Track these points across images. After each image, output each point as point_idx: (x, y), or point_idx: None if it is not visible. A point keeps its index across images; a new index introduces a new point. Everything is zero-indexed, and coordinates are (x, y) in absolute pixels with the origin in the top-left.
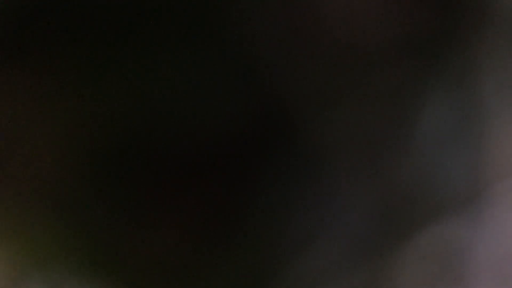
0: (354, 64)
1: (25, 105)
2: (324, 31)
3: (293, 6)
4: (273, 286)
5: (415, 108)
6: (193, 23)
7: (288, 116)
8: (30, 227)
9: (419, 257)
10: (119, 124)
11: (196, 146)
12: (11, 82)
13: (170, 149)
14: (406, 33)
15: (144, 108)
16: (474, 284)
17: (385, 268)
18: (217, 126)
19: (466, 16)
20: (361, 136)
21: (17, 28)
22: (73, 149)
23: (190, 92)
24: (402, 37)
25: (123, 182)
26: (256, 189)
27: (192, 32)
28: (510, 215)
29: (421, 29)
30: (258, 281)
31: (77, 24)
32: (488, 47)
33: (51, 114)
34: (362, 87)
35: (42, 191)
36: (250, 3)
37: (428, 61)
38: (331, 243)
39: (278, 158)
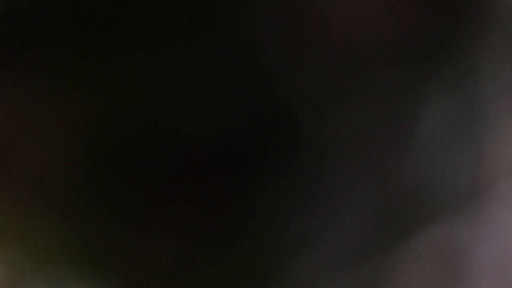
0: (354, 64)
1: (25, 105)
2: (324, 31)
3: (293, 6)
4: (273, 286)
5: (415, 108)
6: (193, 23)
7: (288, 116)
8: (30, 227)
9: (419, 257)
10: (119, 124)
11: (196, 146)
12: (11, 82)
13: (171, 149)
14: (406, 33)
15: (144, 108)
16: (474, 284)
17: (385, 268)
18: (217, 126)
19: (466, 16)
20: (361, 136)
21: (17, 28)
22: (72, 149)
23: (190, 92)
24: (402, 37)
25: (123, 182)
26: (257, 189)
27: (192, 32)
28: (510, 215)
29: (421, 29)
30: (258, 281)
31: (77, 24)
32: (488, 47)
33: (51, 114)
34: (362, 87)
35: (42, 191)
36: (250, 3)
37: (428, 61)
38: (331, 243)
39: (278, 158)
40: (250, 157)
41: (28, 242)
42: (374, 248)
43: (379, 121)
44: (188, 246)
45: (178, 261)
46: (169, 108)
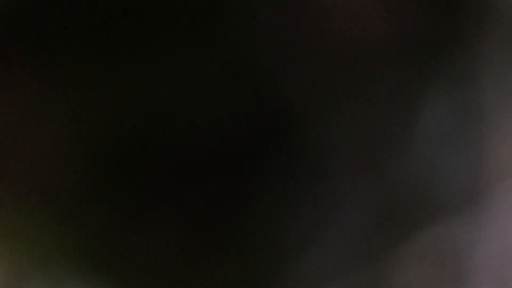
0: (355, 64)
1: (25, 105)
2: (325, 31)
3: (293, 6)
4: (273, 287)
5: (415, 108)
6: (193, 23)
7: (288, 116)
8: (30, 227)
9: (419, 257)
10: (119, 124)
11: (196, 146)
12: (11, 82)
13: (171, 149)
14: (406, 33)
15: (144, 108)
16: (474, 284)
17: (385, 268)
18: (217, 126)
19: (466, 16)
20: (361, 136)
21: (17, 28)
22: (73, 149)
23: (190, 92)
24: (402, 37)
25: (123, 182)
26: (257, 190)
27: (192, 32)
28: (510, 215)
29: (421, 29)
30: (258, 281)
31: (77, 24)
32: (488, 47)
33: (51, 114)
34: (362, 87)
35: (42, 191)
36: (250, 3)
37: (428, 61)
38: (331, 243)
39: (278, 158)
40: (251, 157)
41: (28, 242)
42: (374, 248)
43: (380, 121)
44: (188, 246)
45: (178, 261)
46: (169, 108)
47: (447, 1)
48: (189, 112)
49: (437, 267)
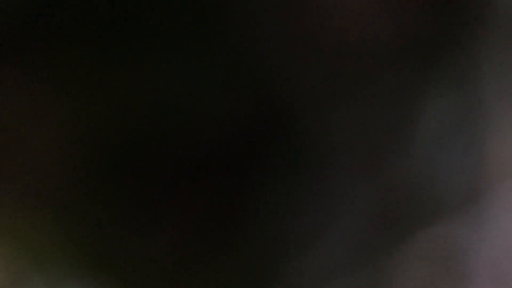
0: (355, 64)
1: (24, 105)
2: (325, 31)
3: (293, 6)
4: (273, 287)
5: (415, 108)
6: (194, 23)
7: (288, 116)
8: (30, 227)
9: (419, 257)
10: (119, 124)
11: (196, 146)
12: (10, 82)
13: (171, 149)
14: (406, 33)
15: (144, 108)
16: (474, 284)
17: (385, 268)
18: (217, 126)
19: (466, 16)
20: (362, 137)
21: (16, 28)
22: (72, 149)
23: (190, 92)
24: (402, 37)
25: (122, 182)
26: (257, 190)
27: (193, 32)
28: (510, 215)
29: (421, 29)
30: (258, 281)
31: (77, 24)
32: (488, 47)
33: (51, 115)
34: (362, 87)
35: (42, 192)
36: (251, 3)
37: (428, 61)
38: (331, 243)
39: (278, 158)
40: (251, 157)
41: (28, 242)
42: (374, 248)
43: (380, 121)
44: (188, 246)
45: (178, 261)
46: (169, 108)
47: (447, 1)
48: (189, 112)
49: (437, 267)
